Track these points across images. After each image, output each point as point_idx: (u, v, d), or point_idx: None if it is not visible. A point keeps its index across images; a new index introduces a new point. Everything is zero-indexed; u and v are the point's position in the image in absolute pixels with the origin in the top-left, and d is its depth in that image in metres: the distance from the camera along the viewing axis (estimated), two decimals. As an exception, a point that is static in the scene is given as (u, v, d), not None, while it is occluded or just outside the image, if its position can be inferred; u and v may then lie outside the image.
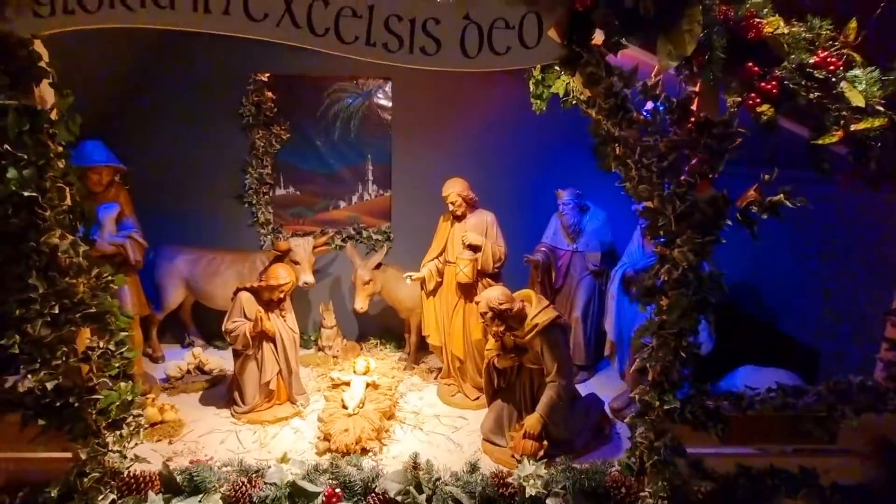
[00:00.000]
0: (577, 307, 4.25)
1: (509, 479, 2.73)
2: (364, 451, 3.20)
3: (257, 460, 3.16)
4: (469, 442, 3.43)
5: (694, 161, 2.26)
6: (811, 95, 1.99)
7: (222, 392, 3.91)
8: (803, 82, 1.99)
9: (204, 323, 4.70)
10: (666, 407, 2.53)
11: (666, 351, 2.52)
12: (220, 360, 4.19)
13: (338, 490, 2.68)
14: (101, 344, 2.51)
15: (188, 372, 4.13)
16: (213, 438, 3.40)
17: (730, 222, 2.28)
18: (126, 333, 2.54)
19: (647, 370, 2.64)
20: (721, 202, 2.25)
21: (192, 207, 4.63)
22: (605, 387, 4.09)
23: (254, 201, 4.66)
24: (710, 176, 2.28)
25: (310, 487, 2.66)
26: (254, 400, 3.59)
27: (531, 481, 2.71)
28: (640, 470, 2.82)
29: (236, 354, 3.59)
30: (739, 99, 2.04)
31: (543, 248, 4.30)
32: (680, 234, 2.32)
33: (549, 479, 2.76)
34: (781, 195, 2.15)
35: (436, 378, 4.21)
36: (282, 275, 3.49)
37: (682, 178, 2.27)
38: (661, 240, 2.42)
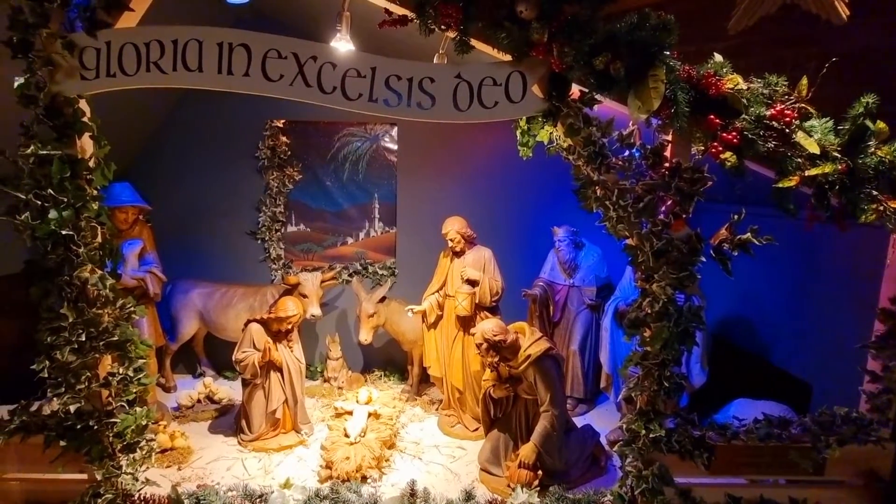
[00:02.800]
0: (575, 340, 4.37)
1: (503, 507, 2.81)
2: (364, 479, 3.30)
3: (261, 486, 3.28)
4: (467, 472, 3.51)
5: (668, 202, 2.45)
6: (769, 144, 2.20)
7: (230, 421, 4.05)
8: (761, 132, 2.20)
9: (215, 354, 4.90)
10: (652, 435, 2.63)
11: (651, 381, 2.64)
12: (229, 391, 4.35)
13: (337, 515, 2.79)
14: (121, 370, 2.70)
15: (199, 401, 4.28)
16: (220, 465, 3.53)
17: (704, 259, 2.44)
18: (143, 361, 2.74)
19: (633, 400, 2.76)
20: (695, 240, 2.43)
21: (208, 243, 4.91)
22: (603, 419, 4.16)
23: (266, 238, 4.92)
24: (684, 216, 2.46)
25: (311, 512, 2.77)
26: (260, 428, 3.72)
27: (524, 509, 2.79)
28: (630, 499, 2.89)
29: (245, 383, 3.76)
30: (704, 147, 2.25)
31: (541, 283, 4.46)
32: (658, 269, 2.49)
33: (541, 507, 2.84)
34: (749, 233, 2.32)
35: (437, 409, 4.31)
36: (290, 307, 3.69)
37: (658, 217, 2.46)
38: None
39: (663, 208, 2.49)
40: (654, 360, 2.60)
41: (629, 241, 2.58)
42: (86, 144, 2.56)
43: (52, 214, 2.41)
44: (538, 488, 3.10)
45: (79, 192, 2.50)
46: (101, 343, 2.60)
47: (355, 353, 5.04)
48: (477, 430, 3.93)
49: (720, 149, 2.21)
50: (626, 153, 2.49)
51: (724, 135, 2.20)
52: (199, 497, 2.87)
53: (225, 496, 2.91)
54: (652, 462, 2.71)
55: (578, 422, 3.75)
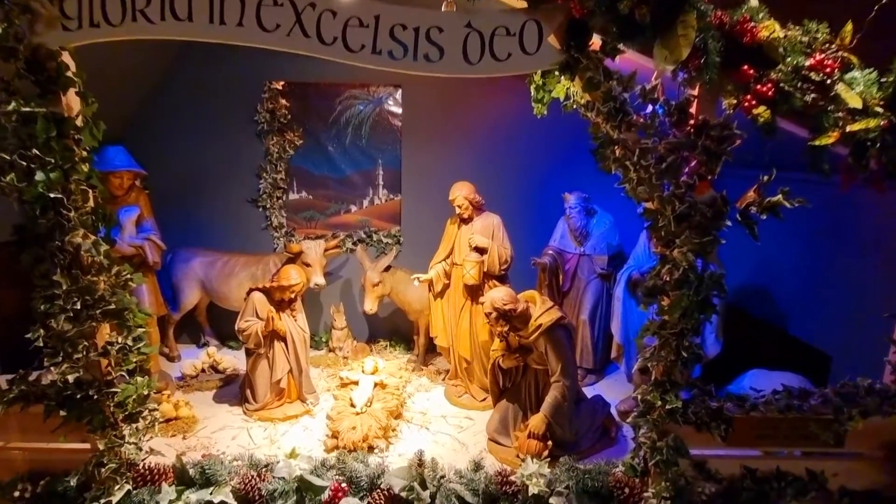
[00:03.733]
0: (585, 310, 4.27)
1: (512, 478, 2.76)
2: (370, 449, 3.26)
3: (267, 456, 3.23)
4: (474, 442, 3.47)
5: (693, 163, 2.29)
6: (807, 97, 2.02)
7: (235, 390, 4.01)
8: (799, 84, 2.02)
9: (218, 324, 4.84)
10: (668, 407, 2.54)
11: (668, 351, 2.54)
12: (233, 360, 4.30)
13: (344, 485, 2.75)
14: (120, 339, 2.62)
15: (203, 371, 4.24)
16: (226, 434, 3.50)
17: (729, 223, 2.30)
18: (143, 330, 2.65)
19: (649, 370, 2.67)
20: (720, 203, 2.28)
21: (209, 211, 4.79)
22: (613, 390, 4.10)
23: (267, 205, 4.79)
24: (709, 177, 2.30)
25: (317, 482, 2.72)
26: (265, 398, 3.68)
27: (534, 480, 2.74)
28: (643, 471, 2.84)
29: (248, 353, 3.69)
30: (735, 101, 2.08)
31: (551, 252, 4.34)
32: (679, 234, 2.35)
33: (552, 479, 2.78)
34: (780, 196, 2.17)
35: (444, 379, 4.26)
36: (293, 276, 3.59)
37: (681, 179, 2.31)
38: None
39: (687, 169, 2.33)
40: (672, 330, 2.49)
41: (648, 205, 2.43)
42: (71, 101, 2.41)
43: (39, 176, 2.28)
44: (548, 459, 3.05)
45: (66, 153, 2.36)
46: (98, 311, 2.50)
47: (360, 322, 4.97)
48: (484, 399, 3.88)
49: (753, 103, 2.03)
50: (649, 110, 2.31)
51: (758, 87, 2.03)
52: (203, 466, 2.83)
53: (230, 465, 2.87)
54: (667, 433, 2.63)
55: (587, 392, 3.68)
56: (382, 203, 4.92)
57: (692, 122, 2.26)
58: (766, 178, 2.23)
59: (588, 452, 3.32)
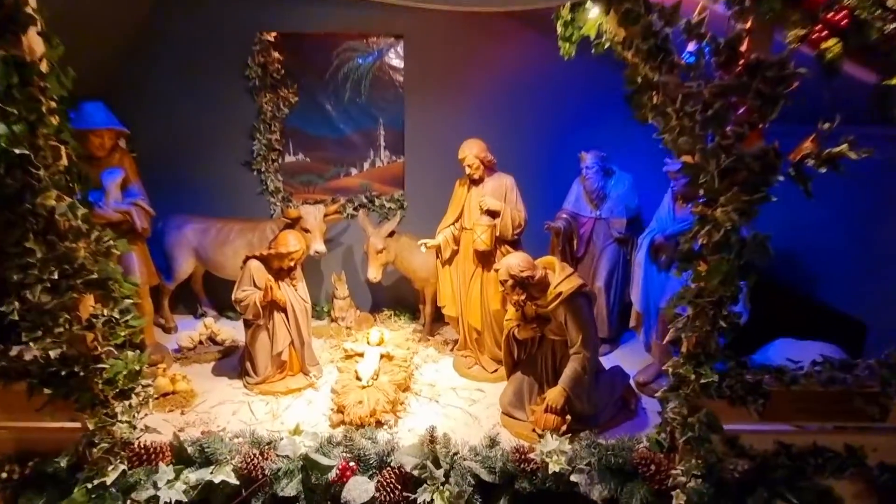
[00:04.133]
0: (600, 277, 4.06)
1: (532, 455, 2.60)
2: (379, 424, 3.10)
3: (269, 432, 3.08)
4: (487, 415, 3.31)
5: (742, 109, 2.02)
6: (886, 28, 1.73)
7: (234, 363, 3.84)
8: (878, 12, 1.73)
9: (216, 293, 4.62)
10: (703, 381, 2.35)
11: (703, 320, 2.33)
12: (231, 331, 4.10)
13: (352, 463, 2.59)
14: (105, 312, 2.40)
15: (200, 342, 4.06)
16: (226, 409, 3.33)
17: (781, 178, 2.05)
18: (130, 301, 2.43)
19: (681, 342, 2.47)
20: (772, 155, 2.02)
21: (200, 175, 4.50)
22: (628, 359, 3.92)
23: (262, 168, 4.50)
24: (760, 126, 2.04)
25: (323, 461, 2.56)
26: (266, 371, 3.50)
27: (554, 457, 2.58)
28: (670, 446, 2.68)
29: (247, 325, 3.49)
30: (803, 33, 1.79)
31: (565, 216, 4.09)
32: (723, 191, 2.10)
33: (573, 455, 2.63)
34: (845, 145, 1.91)
35: (452, 350, 4.08)
36: (292, 242, 3.35)
37: (728, 128, 2.04)
38: (700, 200, 2.20)
39: (733, 117, 2.06)
40: (710, 298, 2.28)
41: (686, 159, 2.17)
42: (34, 43, 2.11)
43: (1, 129, 2.01)
44: (567, 434, 2.89)
45: (31, 103, 2.08)
46: (79, 281, 2.28)
47: (363, 291, 4.76)
48: (496, 371, 3.71)
49: (823, 34, 1.74)
50: (694, 48, 2.02)
51: (830, 16, 1.73)
52: (203, 444, 2.67)
53: (231, 444, 2.71)
54: (698, 408, 2.46)
55: (603, 362, 3.50)
56: (384, 165, 4.63)
57: (742, 61, 1.98)
58: (826, 124, 1.96)
59: (607, 426, 3.16)
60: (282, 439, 2.72)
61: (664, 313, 2.57)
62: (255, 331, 3.47)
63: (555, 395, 2.96)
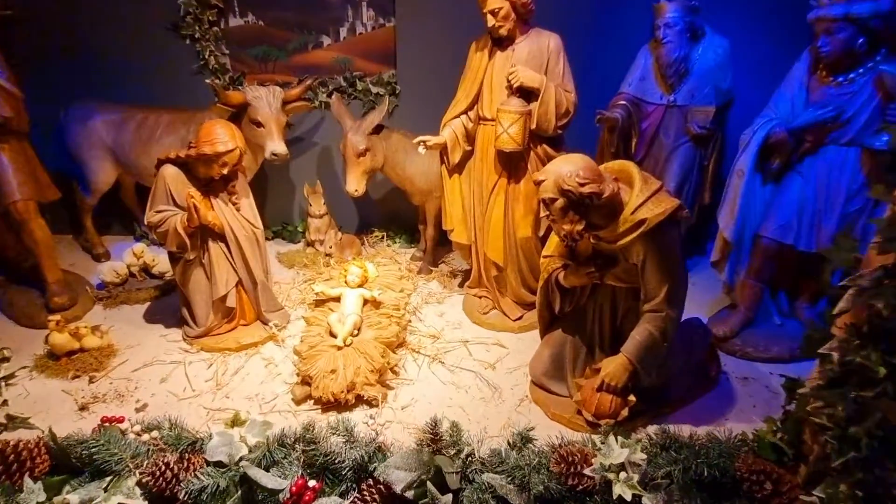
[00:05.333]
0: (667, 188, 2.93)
1: (586, 471, 1.69)
2: (357, 401, 2.20)
3: (209, 410, 2.21)
4: (511, 384, 2.40)
5: None
6: None
7: (177, 303, 2.87)
8: None
9: (155, 210, 3.56)
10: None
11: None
12: (172, 261, 3.11)
13: (313, 482, 1.70)
14: None
15: (131, 276, 3.09)
16: (153, 374, 2.44)
17: None
18: None
19: (858, 310, 1.44)
20: None
21: (111, 46, 3.23)
22: (692, 301, 2.92)
23: (195, 35, 3.20)
24: None
25: (267, 480, 1.67)
26: (208, 320, 2.55)
27: (622, 475, 1.68)
28: (796, 455, 1.78)
29: (173, 259, 2.48)
30: None
31: (623, 101, 2.87)
32: None
33: (648, 470, 1.73)
34: None
35: (461, 285, 3.10)
36: (220, 135, 2.20)
37: None
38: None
39: None
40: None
41: None
42: None
43: None
44: (629, 421, 1.99)
45: None
46: None
47: (347, 207, 3.69)
48: (520, 318, 2.75)
49: None
50: None
51: None
52: (92, 446, 1.78)
53: (135, 445, 1.82)
54: (868, 412, 1.49)
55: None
56: (368, 32, 3.32)
57: None
58: None
59: (679, 404, 2.26)
60: (211, 438, 1.82)
61: (831, 257, 1.51)
62: (186, 268, 2.47)
63: (615, 367, 2.01)
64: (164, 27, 3.19)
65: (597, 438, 1.94)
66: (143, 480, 1.72)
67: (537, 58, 2.31)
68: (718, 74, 2.74)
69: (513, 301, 2.77)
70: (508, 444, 1.89)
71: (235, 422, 1.90)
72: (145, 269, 3.12)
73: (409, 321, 2.70)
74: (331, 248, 3.42)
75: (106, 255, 3.44)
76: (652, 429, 2.10)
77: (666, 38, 2.65)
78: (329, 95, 3.31)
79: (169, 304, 2.92)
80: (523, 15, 2.28)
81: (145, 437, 1.86)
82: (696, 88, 2.77)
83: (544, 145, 2.43)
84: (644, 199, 1.75)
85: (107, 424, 1.93)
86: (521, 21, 2.30)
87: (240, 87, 3.18)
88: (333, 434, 1.85)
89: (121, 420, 1.97)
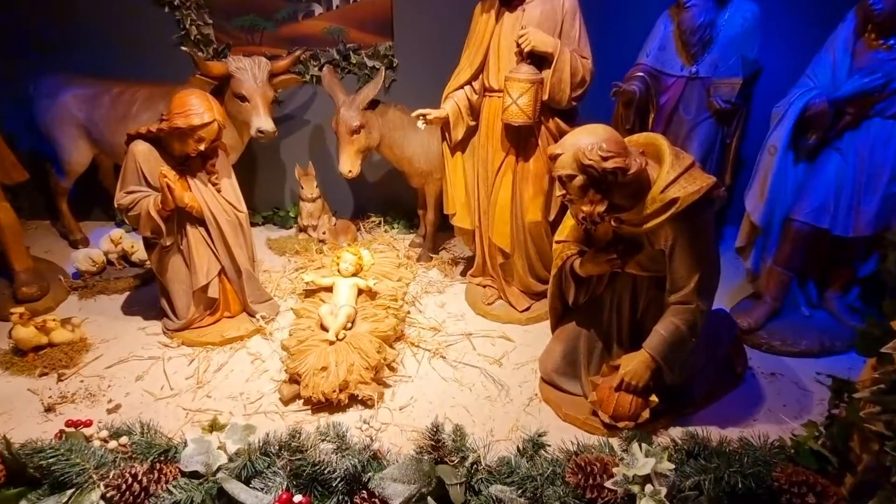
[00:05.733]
0: (686, 170, 2.71)
1: (608, 483, 1.50)
2: (352, 402, 2.01)
3: (188, 412, 2.02)
4: (519, 380, 2.20)
5: None
6: None
7: (157, 293, 2.66)
8: None
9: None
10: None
11: None
12: (152, 248, 2.89)
13: (299, 497, 1.51)
14: None
15: (109, 263, 2.88)
16: (128, 371, 2.24)
17: None
18: None
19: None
20: None
21: (84, 15, 2.97)
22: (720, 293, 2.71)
23: (176, 2, 2.95)
24: None
25: (247, 497, 1.48)
26: (189, 312, 2.35)
27: (648, 488, 1.48)
28: (841, 463, 1.59)
29: (148, 245, 2.26)
30: None
31: (640, 73, 2.62)
32: None
33: (675, 480, 1.54)
34: None
35: (463, 274, 2.89)
36: (195, 108, 1.97)
37: None
38: None
39: None
40: None
41: None
42: None
43: None
44: (651, 423, 1.80)
45: None
46: None
47: (342, 190, 3.46)
48: (528, 309, 2.55)
49: None
50: None
51: None
52: (49, 456, 1.58)
53: (100, 453, 1.62)
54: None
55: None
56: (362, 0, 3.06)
57: None
58: None
59: (703, 402, 2.06)
60: (185, 446, 1.62)
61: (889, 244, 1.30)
62: (164, 255, 2.25)
63: (636, 365, 1.81)
64: (141, -7, 2.94)
65: (615, 443, 1.77)
66: (108, 494, 1.53)
67: (550, 19, 2.07)
68: (745, 43, 2.49)
69: (520, 290, 2.56)
70: (518, 450, 1.71)
71: (214, 426, 1.71)
72: (124, 257, 2.92)
73: (408, 313, 2.50)
74: (324, 233, 3.19)
75: (84, 241, 3.22)
76: (675, 431, 1.93)
77: (690, 1, 2.40)
78: (321, 69, 3.06)
79: (149, 294, 2.70)
80: (534, -30, 2.03)
81: (112, 444, 1.67)
82: (720, 59, 2.52)
83: (556, 119, 2.20)
84: (675, 175, 1.53)
85: (71, 429, 1.74)
86: (532, -23, 2.06)
87: (223, 59, 2.93)
88: (323, 440, 1.66)
89: (88, 424, 1.78)
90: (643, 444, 1.58)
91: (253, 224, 3.12)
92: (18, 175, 2.57)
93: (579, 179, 1.54)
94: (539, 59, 2.07)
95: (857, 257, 2.42)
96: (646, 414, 1.86)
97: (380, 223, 3.43)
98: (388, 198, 3.49)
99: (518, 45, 2.05)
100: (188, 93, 2.01)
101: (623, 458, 1.56)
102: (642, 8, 2.69)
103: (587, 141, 1.50)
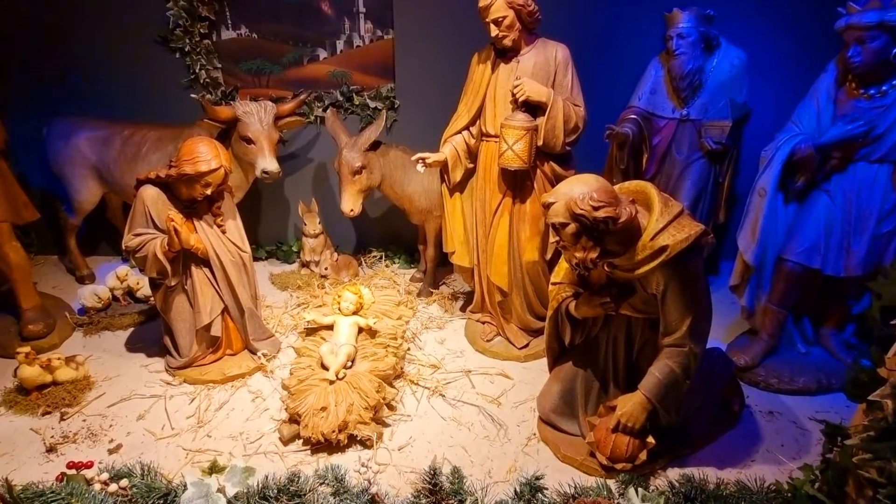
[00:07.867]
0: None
1: (604, 529, 1.51)
2: (351, 442, 2.02)
3: (188, 452, 2.03)
4: (518, 419, 2.22)
5: None
6: None
7: (161, 331, 2.70)
8: None
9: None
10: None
11: None
12: (157, 284, 2.94)
13: (296, 543, 1.52)
14: None
15: (115, 299, 2.93)
16: (130, 410, 2.26)
17: None
18: None
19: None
20: None
21: (97, 60, 3.11)
22: (715, 330, 2.75)
23: (186, 48, 3.08)
24: None
25: (244, 542, 1.49)
26: (191, 350, 2.38)
27: (645, 534, 1.49)
28: (838, 508, 1.59)
29: (154, 285, 2.31)
30: None
31: (633, 115, 2.72)
32: None
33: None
34: None
35: (463, 309, 2.93)
36: (202, 155, 2.05)
37: None
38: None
39: None
40: None
41: None
42: None
43: None
44: (648, 464, 1.81)
45: None
46: None
47: (344, 226, 3.54)
48: (526, 346, 2.58)
49: None
50: None
51: None
52: (50, 500, 1.60)
53: (100, 497, 1.63)
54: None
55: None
56: (366, 45, 3.19)
57: None
58: None
59: (700, 443, 2.07)
60: (186, 489, 1.64)
61: (882, 287, 1.35)
62: (168, 295, 2.30)
63: (632, 406, 1.83)
64: (153, 40, 3.07)
65: (613, 485, 1.78)
66: (109, 539, 1.55)
67: (544, 69, 2.17)
68: (734, 87, 2.60)
69: (518, 328, 2.60)
70: (515, 493, 1.72)
71: (214, 468, 1.73)
72: (129, 293, 2.97)
73: (408, 350, 2.53)
74: (326, 269, 3.25)
75: (91, 276, 3.28)
76: (673, 473, 1.93)
77: (679, 49, 2.51)
78: (325, 110, 3.18)
79: (153, 331, 2.74)
80: (529, 24, 2.14)
81: (113, 487, 1.69)
82: (710, 102, 2.62)
83: (552, 163, 2.28)
84: (665, 223, 1.59)
85: (72, 471, 1.76)
86: (527, 31, 2.16)
87: (231, 102, 3.04)
88: (321, 484, 1.68)
89: (89, 465, 1.80)
90: (639, 489, 1.59)
91: (256, 259, 3.19)
92: (30, 215, 2.64)
93: (572, 227, 1.60)
94: (533, 108, 2.16)
95: (851, 295, 2.46)
96: (643, 456, 1.87)
97: (381, 258, 3.49)
98: (389, 233, 3.56)
99: (513, 95, 2.14)
100: (197, 140, 2.10)
101: (620, 502, 1.57)
102: (633, 54, 2.81)
103: (579, 190, 1.57)
